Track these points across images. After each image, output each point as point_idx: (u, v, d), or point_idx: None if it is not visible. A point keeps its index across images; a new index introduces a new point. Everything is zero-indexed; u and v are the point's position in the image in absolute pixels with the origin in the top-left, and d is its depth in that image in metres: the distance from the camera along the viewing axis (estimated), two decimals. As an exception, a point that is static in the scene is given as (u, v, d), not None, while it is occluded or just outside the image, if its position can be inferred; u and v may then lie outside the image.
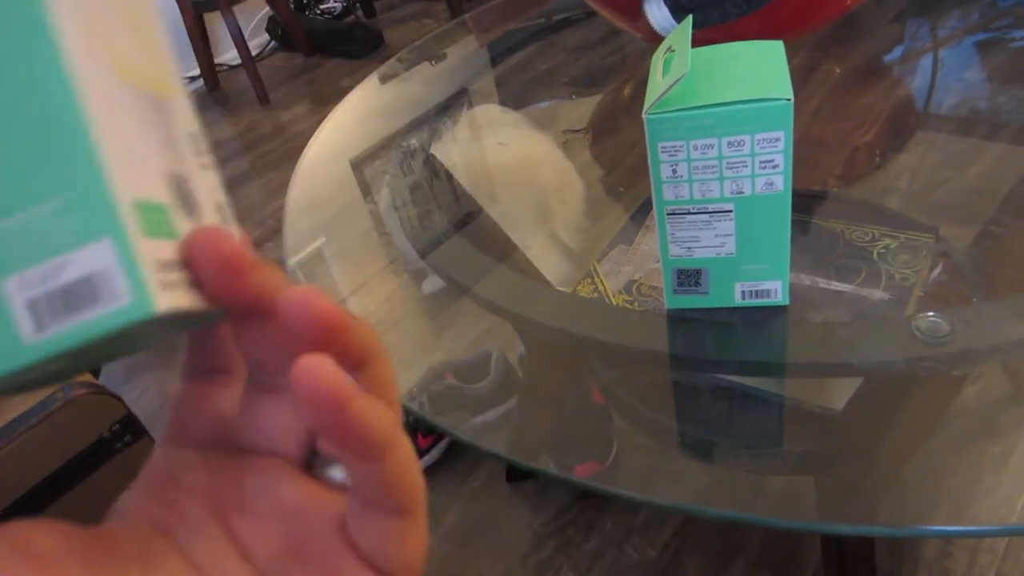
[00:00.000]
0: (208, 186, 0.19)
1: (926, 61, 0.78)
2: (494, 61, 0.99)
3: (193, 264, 0.16)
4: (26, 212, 0.14)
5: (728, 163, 0.41)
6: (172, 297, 0.15)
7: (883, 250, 0.53)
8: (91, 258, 0.14)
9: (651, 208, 0.62)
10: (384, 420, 0.16)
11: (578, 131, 0.78)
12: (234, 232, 0.18)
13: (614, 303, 0.53)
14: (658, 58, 0.43)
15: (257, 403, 0.20)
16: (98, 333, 0.14)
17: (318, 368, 0.15)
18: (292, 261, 0.70)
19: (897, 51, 0.82)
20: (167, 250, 0.15)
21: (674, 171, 0.43)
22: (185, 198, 0.17)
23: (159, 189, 0.16)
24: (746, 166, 0.41)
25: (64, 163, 0.14)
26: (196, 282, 0.16)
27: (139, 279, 0.14)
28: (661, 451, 0.44)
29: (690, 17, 0.41)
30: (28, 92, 0.14)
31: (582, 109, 0.83)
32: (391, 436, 0.17)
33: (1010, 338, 0.45)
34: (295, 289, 0.16)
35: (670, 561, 0.94)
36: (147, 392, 1.43)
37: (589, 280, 0.56)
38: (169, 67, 0.18)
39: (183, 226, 0.16)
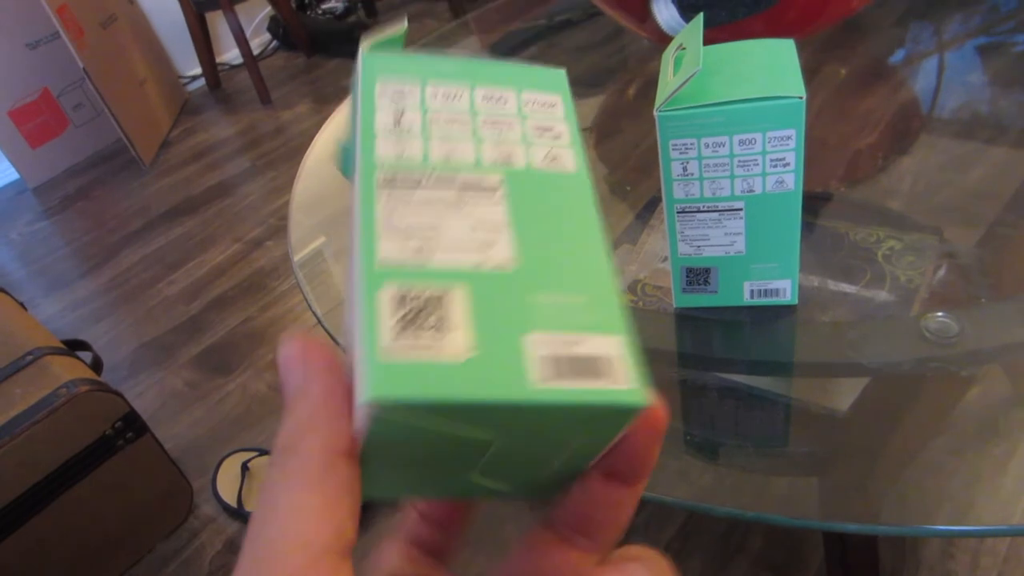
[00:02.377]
0: None
1: (929, 64, 0.79)
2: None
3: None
4: (557, 295, 0.18)
5: (739, 161, 0.42)
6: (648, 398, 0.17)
7: (888, 252, 0.53)
8: (602, 344, 0.17)
9: (655, 208, 0.62)
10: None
11: (583, 130, 0.78)
12: None
13: (620, 302, 0.53)
14: (668, 56, 0.43)
15: (545, 546, 0.19)
16: (593, 401, 0.16)
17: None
18: (296, 258, 0.70)
19: (899, 54, 0.82)
20: None
21: (684, 169, 0.43)
22: None
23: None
24: (757, 164, 0.42)
25: (590, 278, 0.19)
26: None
27: (637, 375, 0.17)
28: (664, 450, 0.44)
29: (701, 15, 0.41)
30: (576, 232, 0.19)
31: (585, 110, 0.83)
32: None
33: (1019, 339, 0.45)
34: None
35: (672, 561, 0.94)
36: (149, 389, 1.43)
37: (595, 279, 0.56)
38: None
39: None
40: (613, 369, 0.17)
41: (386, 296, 0.17)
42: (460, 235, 0.18)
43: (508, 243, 0.18)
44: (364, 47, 0.22)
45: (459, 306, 0.17)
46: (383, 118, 0.20)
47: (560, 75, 0.23)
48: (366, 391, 0.15)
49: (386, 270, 0.17)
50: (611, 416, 0.17)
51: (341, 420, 0.16)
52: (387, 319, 0.16)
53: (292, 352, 0.17)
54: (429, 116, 0.21)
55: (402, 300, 0.17)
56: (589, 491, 0.19)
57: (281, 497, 0.15)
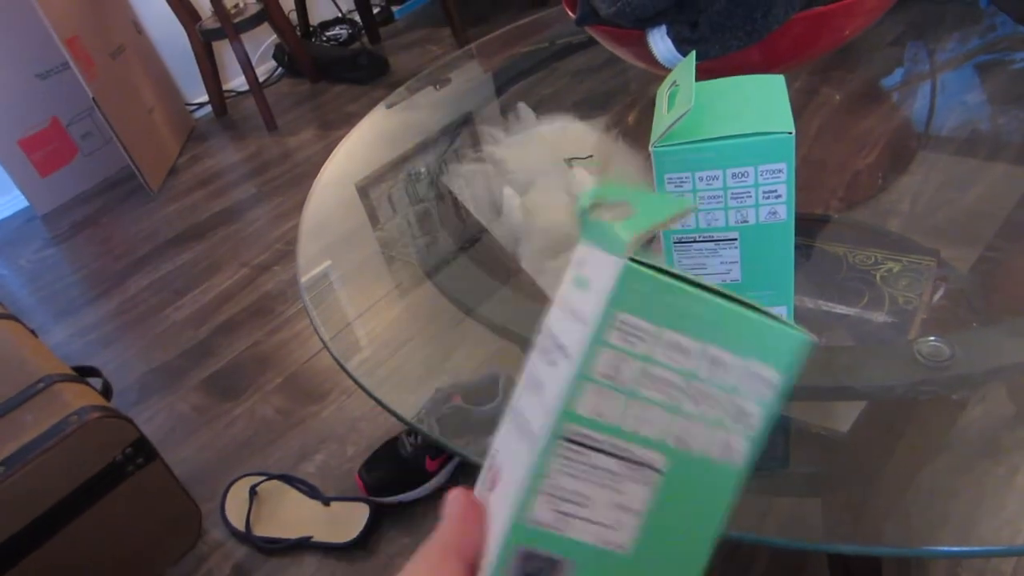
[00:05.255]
0: None
1: (926, 84, 0.79)
2: (499, 88, 1.01)
3: None
4: None
5: (732, 193, 0.43)
6: None
7: (886, 273, 0.54)
8: None
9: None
10: None
11: (583, 159, 0.79)
12: None
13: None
14: (663, 92, 0.44)
15: None
16: None
17: None
18: (303, 280, 0.71)
19: (897, 74, 0.83)
20: None
21: (680, 200, 0.44)
22: None
23: None
24: (750, 196, 0.43)
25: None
26: None
27: None
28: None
29: (693, 54, 0.42)
30: (697, 531, 0.22)
31: (586, 133, 0.85)
32: None
33: (1010, 361, 0.45)
34: None
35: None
36: (158, 415, 1.44)
37: (596, 304, 0.57)
38: None
39: None
40: None
41: (519, 552, 0.21)
42: (600, 509, 0.21)
43: (632, 529, 0.21)
44: (627, 249, 0.20)
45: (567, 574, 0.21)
46: (604, 362, 0.21)
47: (796, 340, 0.21)
48: None
49: (531, 531, 0.21)
50: None
51: (463, 531, 0.23)
52: (511, 570, 0.21)
53: (451, 498, 0.25)
54: (646, 373, 0.21)
55: (529, 558, 0.21)
56: None
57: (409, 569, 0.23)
